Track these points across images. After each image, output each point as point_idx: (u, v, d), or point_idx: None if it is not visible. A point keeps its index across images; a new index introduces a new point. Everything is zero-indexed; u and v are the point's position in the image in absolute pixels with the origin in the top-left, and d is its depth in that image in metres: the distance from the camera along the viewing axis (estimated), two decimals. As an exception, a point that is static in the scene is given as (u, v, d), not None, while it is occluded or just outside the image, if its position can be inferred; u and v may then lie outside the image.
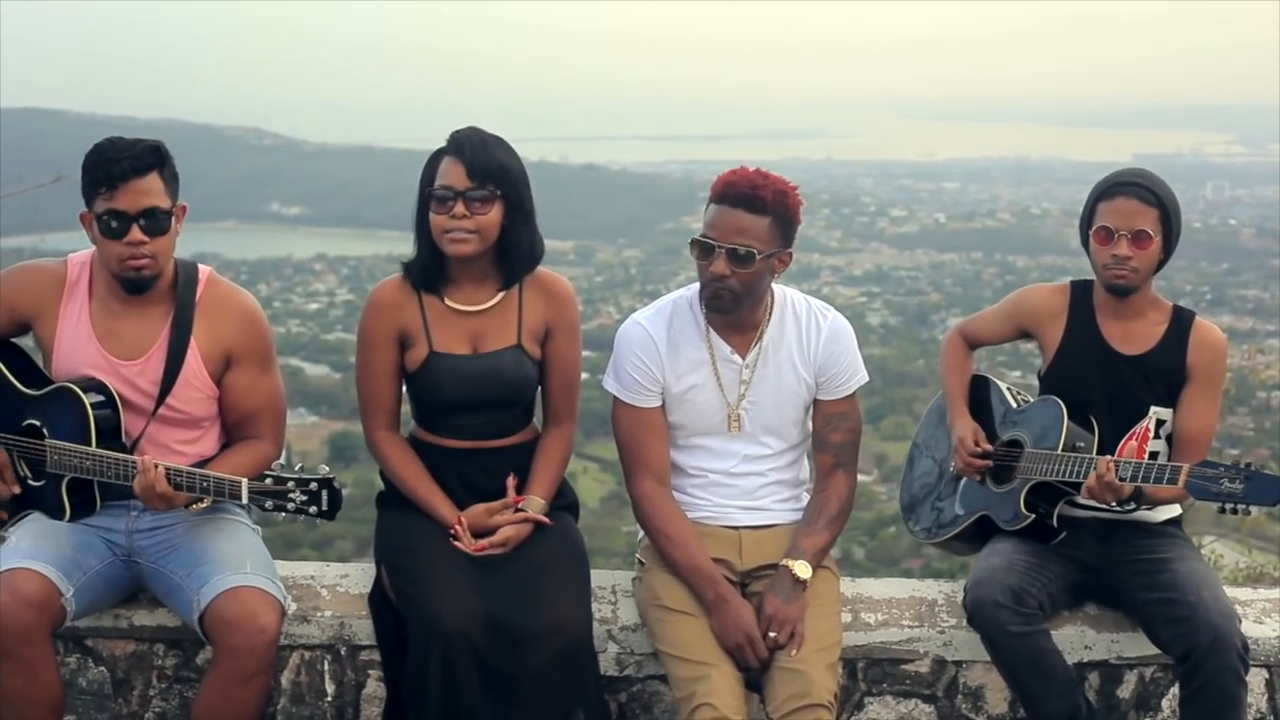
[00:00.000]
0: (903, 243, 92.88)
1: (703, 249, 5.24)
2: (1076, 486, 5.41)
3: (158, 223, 5.07)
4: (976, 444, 5.72)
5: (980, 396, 5.94)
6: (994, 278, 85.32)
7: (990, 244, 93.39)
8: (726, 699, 5.00)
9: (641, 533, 5.62)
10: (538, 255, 5.47)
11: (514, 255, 5.40)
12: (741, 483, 5.52)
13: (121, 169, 4.99)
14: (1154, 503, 5.45)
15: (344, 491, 4.84)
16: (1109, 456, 5.25)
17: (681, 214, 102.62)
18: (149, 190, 5.04)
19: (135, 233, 5.04)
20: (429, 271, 5.40)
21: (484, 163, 5.27)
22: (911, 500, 6.16)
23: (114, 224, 5.03)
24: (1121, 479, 5.20)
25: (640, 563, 5.58)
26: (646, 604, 5.45)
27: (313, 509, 4.81)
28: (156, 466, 4.94)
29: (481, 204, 5.26)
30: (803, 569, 5.28)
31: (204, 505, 5.08)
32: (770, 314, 5.48)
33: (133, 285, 5.16)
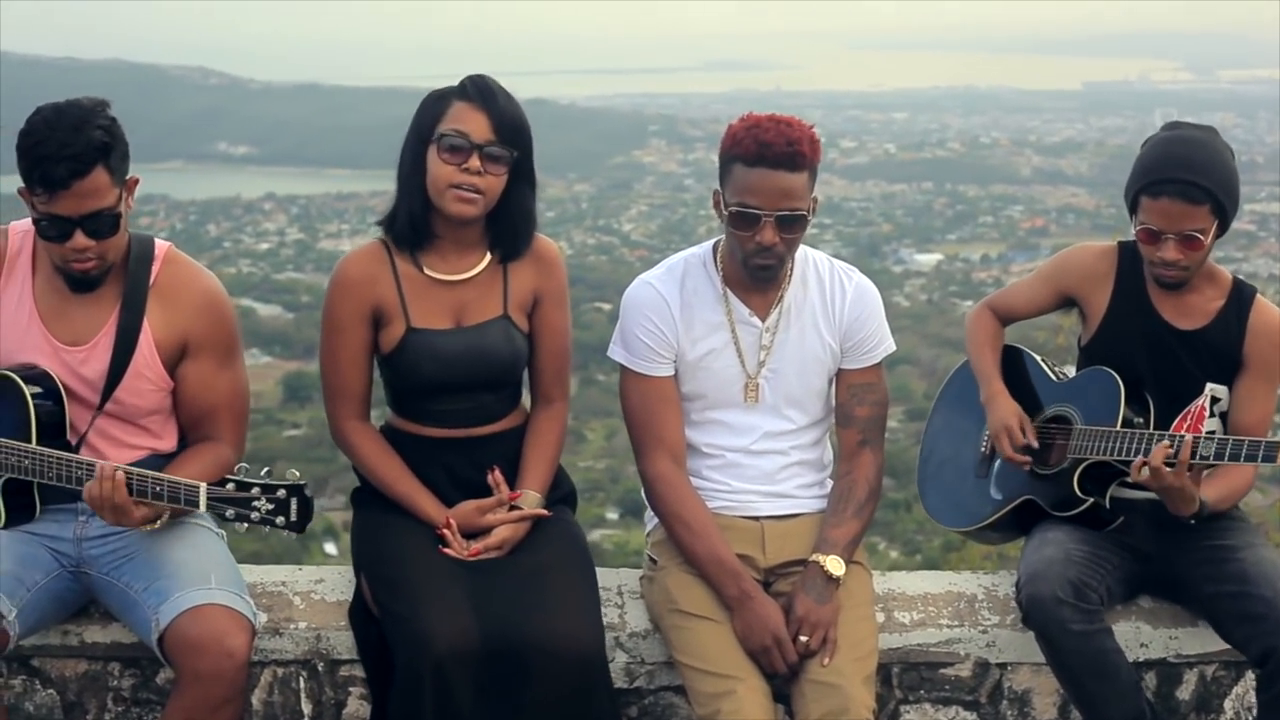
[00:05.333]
0: (853, 174, 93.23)
1: (746, 219, 4.70)
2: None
3: (104, 224, 4.47)
4: (1023, 432, 5.18)
5: (1015, 370, 5.39)
6: (945, 207, 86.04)
7: (940, 174, 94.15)
8: (756, 716, 4.50)
9: (651, 525, 5.12)
10: (534, 227, 4.93)
11: (518, 225, 4.86)
12: (762, 462, 5.00)
13: (60, 174, 4.34)
14: (1220, 510, 4.98)
15: (313, 500, 4.34)
16: (1189, 435, 4.72)
17: (631, 148, 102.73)
18: (93, 190, 4.41)
19: (79, 239, 4.45)
20: (417, 224, 4.82)
21: (511, 119, 4.72)
22: (934, 485, 5.61)
23: (53, 229, 4.45)
24: (1204, 456, 4.68)
25: (651, 560, 5.04)
26: (660, 608, 4.91)
27: (279, 520, 4.27)
28: (117, 472, 4.37)
29: (496, 163, 4.70)
30: (835, 565, 4.77)
31: (156, 526, 4.51)
32: (791, 273, 4.97)
33: (79, 284, 4.59)
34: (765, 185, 4.65)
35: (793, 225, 4.70)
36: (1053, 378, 5.30)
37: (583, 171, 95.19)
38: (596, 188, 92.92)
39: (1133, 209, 4.99)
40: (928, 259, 72.52)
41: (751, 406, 4.98)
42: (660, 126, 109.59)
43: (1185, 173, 4.84)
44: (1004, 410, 5.22)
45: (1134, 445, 4.84)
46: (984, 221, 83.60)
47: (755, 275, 4.81)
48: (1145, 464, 4.73)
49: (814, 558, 4.78)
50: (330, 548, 28.25)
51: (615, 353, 5.01)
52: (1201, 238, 4.86)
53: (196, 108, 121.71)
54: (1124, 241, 5.20)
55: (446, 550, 4.71)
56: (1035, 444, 5.16)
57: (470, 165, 4.65)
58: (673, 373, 4.96)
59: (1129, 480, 4.95)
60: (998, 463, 5.30)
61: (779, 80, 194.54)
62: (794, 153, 4.64)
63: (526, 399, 5.11)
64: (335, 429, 4.99)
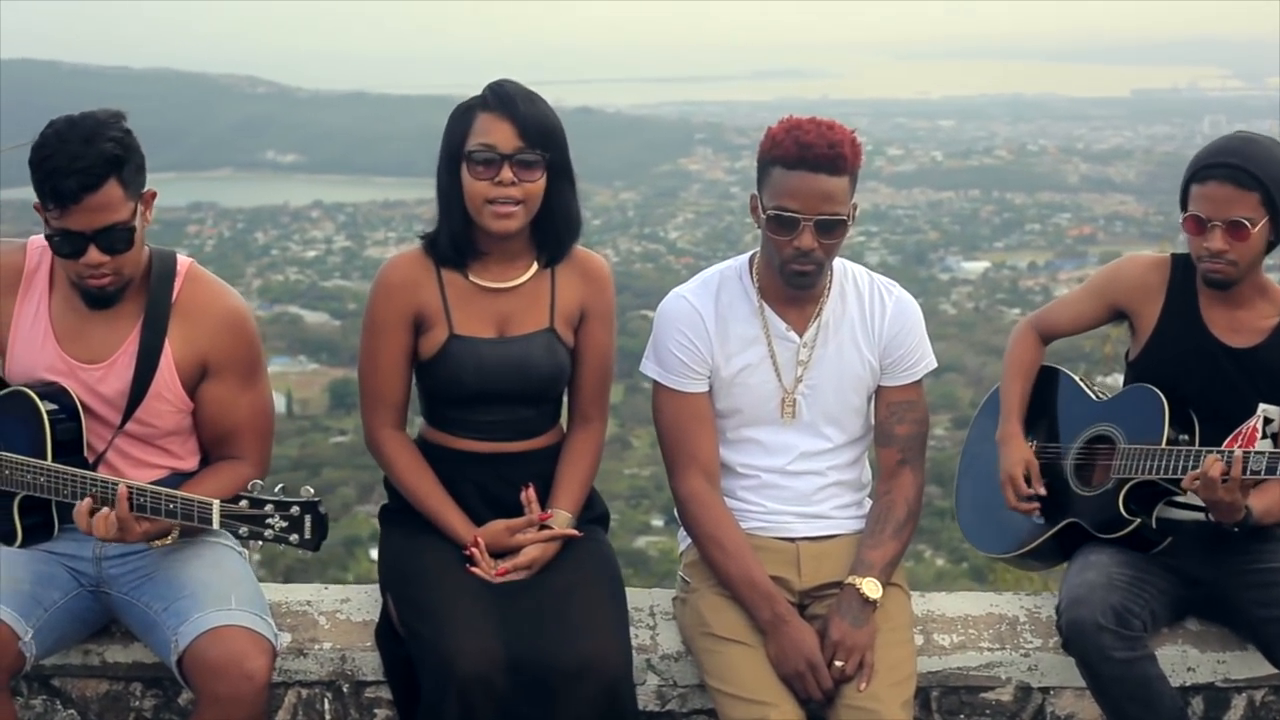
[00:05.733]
0: (900, 181, 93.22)
1: (784, 223, 4.54)
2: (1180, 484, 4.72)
3: (118, 239, 4.34)
4: (1028, 482, 5.05)
5: (1047, 393, 5.24)
6: (992, 215, 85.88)
7: (987, 181, 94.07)
8: None
9: (684, 545, 4.97)
10: (580, 225, 4.78)
11: (560, 226, 4.71)
12: (798, 483, 4.85)
13: (70, 187, 4.22)
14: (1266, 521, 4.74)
15: (327, 517, 4.19)
16: (1239, 450, 4.54)
17: (678, 156, 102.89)
18: (105, 205, 4.28)
19: (92, 254, 4.33)
20: (460, 244, 4.68)
21: (536, 121, 4.56)
22: (972, 509, 5.44)
23: (66, 244, 4.33)
24: (1254, 471, 4.49)
25: (684, 581, 4.90)
26: (693, 631, 4.78)
27: (293, 537, 4.13)
28: (119, 486, 4.28)
29: (530, 170, 4.55)
30: (872, 588, 4.61)
31: (168, 542, 4.41)
32: (830, 287, 4.82)
33: (95, 300, 4.47)
34: (805, 188, 4.50)
35: (832, 230, 4.55)
36: (1092, 397, 5.14)
37: (629, 180, 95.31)
38: (642, 195, 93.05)
39: (1183, 204, 4.83)
40: (974, 267, 72.31)
41: (788, 424, 4.84)
42: (706, 135, 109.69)
43: (1234, 158, 4.71)
44: (1012, 458, 5.09)
45: (1182, 463, 4.67)
46: (1031, 229, 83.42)
47: (793, 282, 4.66)
48: (1199, 476, 4.57)
49: (850, 580, 4.64)
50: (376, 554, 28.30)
51: (648, 368, 4.87)
52: (1249, 226, 4.69)
53: (245, 116, 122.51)
54: (1177, 254, 5.04)
55: (474, 570, 4.59)
56: (1042, 491, 5.03)
57: (503, 178, 4.52)
58: (707, 389, 4.82)
59: (1176, 499, 4.82)
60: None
61: (826, 89, 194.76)
62: (835, 155, 4.49)
63: (564, 420, 4.99)
64: (370, 436, 4.87)
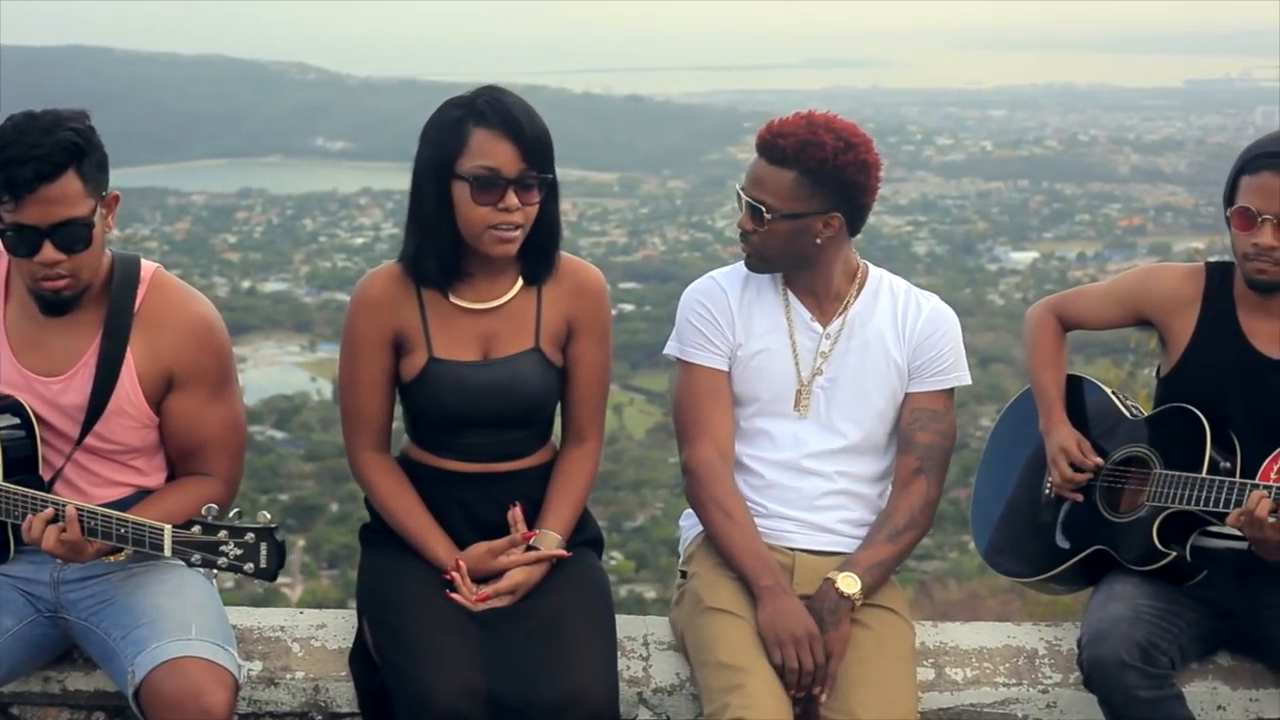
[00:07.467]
0: (949, 171, 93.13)
1: (737, 198, 4.59)
2: (1220, 516, 4.42)
3: (76, 236, 4.06)
4: (1082, 454, 4.72)
5: (1075, 407, 4.91)
6: (1041, 205, 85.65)
7: (1037, 171, 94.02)
8: (766, 711, 4.11)
9: (688, 536, 4.77)
10: (560, 236, 4.50)
11: (547, 241, 4.43)
12: (803, 484, 4.60)
13: (25, 176, 3.94)
14: None
15: (285, 544, 3.98)
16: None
17: (726, 144, 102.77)
18: (62, 197, 4.00)
19: (48, 251, 4.04)
20: (448, 266, 4.39)
21: (537, 139, 4.27)
22: (990, 530, 5.13)
23: (20, 241, 4.05)
24: None
25: (682, 574, 4.69)
26: (687, 620, 4.52)
27: (248, 566, 3.91)
28: (67, 507, 4.03)
29: (531, 192, 4.28)
30: (849, 582, 4.36)
31: (122, 557, 4.15)
32: (861, 288, 4.64)
33: (51, 305, 4.20)
34: (750, 170, 4.56)
35: (757, 216, 4.46)
36: (1126, 414, 4.83)
37: (677, 168, 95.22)
38: (691, 184, 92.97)
39: (1230, 198, 4.53)
40: (1023, 257, 72.06)
41: (801, 417, 4.61)
42: (756, 123, 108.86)
43: None
44: (1063, 434, 4.80)
45: (1224, 495, 4.37)
46: (1081, 219, 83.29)
47: (745, 262, 4.64)
48: (1245, 513, 4.27)
49: (828, 575, 4.39)
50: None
51: (670, 347, 4.71)
52: None
53: (295, 103, 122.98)
54: (1212, 262, 4.73)
55: (454, 596, 4.32)
56: (1096, 461, 4.73)
57: (508, 203, 4.23)
58: (725, 368, 4.63)
59: (1212, 526, 4.51)
60: (1064, 508, 4.85)
61: (876, 78, 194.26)
62: (772, 143, 4.45)
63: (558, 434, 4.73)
64: (350, 458, 4.61)
